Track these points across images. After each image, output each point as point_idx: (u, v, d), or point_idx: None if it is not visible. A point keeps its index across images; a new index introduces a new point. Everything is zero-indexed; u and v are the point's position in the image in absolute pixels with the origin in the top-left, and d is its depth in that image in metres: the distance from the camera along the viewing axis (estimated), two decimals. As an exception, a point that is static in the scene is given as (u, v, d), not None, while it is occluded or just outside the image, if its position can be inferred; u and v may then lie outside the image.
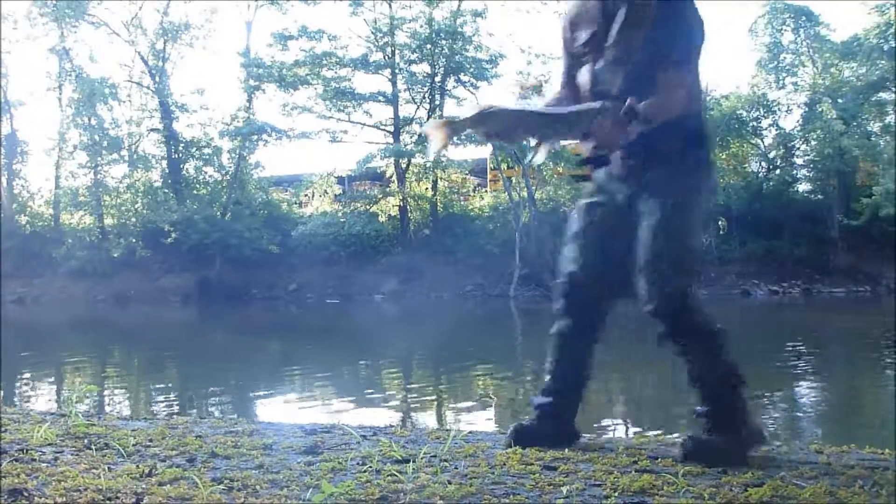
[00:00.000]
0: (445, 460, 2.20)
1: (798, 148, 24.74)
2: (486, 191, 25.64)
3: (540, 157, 2.34)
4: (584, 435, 2.50)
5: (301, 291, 21.87)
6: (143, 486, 1.92)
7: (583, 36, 2.34)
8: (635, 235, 2.29)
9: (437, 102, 24.89)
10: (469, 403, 6.06)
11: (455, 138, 2.35)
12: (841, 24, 50.31)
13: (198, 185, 24.81)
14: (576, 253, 2.42)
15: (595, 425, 4.92)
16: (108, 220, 23.65)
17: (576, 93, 2.39)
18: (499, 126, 2.24)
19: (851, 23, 45.76)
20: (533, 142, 2.37)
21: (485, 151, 24.59)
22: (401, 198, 24.05)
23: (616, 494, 1.83)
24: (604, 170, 2.42)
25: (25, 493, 1.84)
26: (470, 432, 2.69)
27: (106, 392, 6.64)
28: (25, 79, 44.90)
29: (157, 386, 7.43)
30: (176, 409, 6.00)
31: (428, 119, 24.89)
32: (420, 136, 24.83)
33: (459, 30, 23.98)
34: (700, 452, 2.13)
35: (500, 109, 2.27)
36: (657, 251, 2.24)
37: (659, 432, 4.16)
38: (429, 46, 24.08)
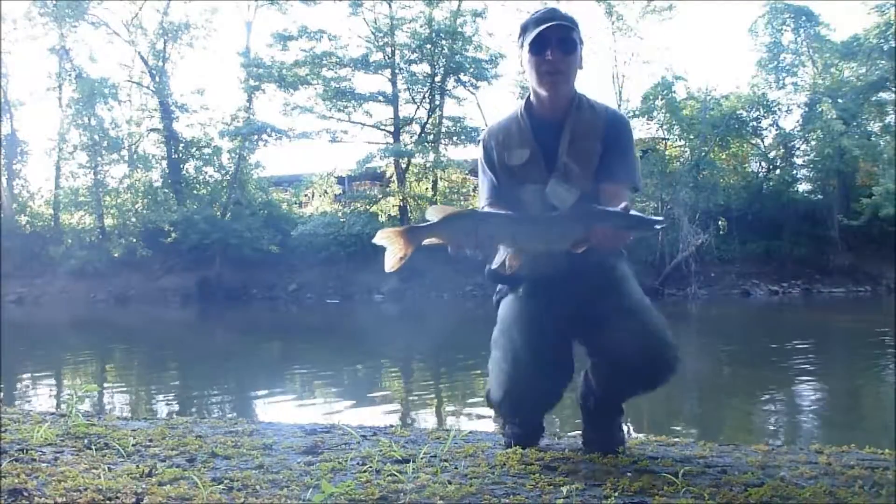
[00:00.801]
0: (445, 460, 2.20)
1: (798, 148, 24.75)
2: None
3: (508, 262, 2.18)
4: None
5: (301, 291, 21.88)
6: (143, 486, 1.92)
7: (517, 156, 2.27)
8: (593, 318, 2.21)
9: (438, 102, 24.91)
10: (469, 403, 6.06)
11: (418, 245, 2.11)
12: (841, 24, 50.31)
13: (198, 185, 24.82)
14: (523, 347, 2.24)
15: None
16: (108, 220, 23.66)
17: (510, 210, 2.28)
18: (469, 235, 2.06)
19: (851, 23, 45.74)
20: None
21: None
22: (401, 198, 24.06)
23: (616, 494, 1.83)
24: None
25: (25, 493, 1.84)
26: (470, 432, 2.70)
27: (106, 392, 6.64)
28: (25, 79, 44.85)
29: (157, 386, 7.43)
30: (176, 409, 6.00)
31: (427, 119, 24.92)
32: (420, 136, 24.88)
33: (459, 30, 23.99)
34: (597, 443, 2.32)
35: (469, 214, 2.13)
36: (646, 321, 2.16)
37: (659, 433, 4.16)
38: (429, 46, 24.08)
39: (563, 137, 2.24)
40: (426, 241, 2.11)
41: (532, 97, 2.31)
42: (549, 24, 2.18)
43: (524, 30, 2.28)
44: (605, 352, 2.23)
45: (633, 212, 2.02)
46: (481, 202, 2.35)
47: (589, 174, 2.23)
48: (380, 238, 2.12)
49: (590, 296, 2.22)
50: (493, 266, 2.23)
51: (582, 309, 2.23)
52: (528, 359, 2.20)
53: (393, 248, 2.10)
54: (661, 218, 2.06)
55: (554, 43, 2.18)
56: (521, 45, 2.28)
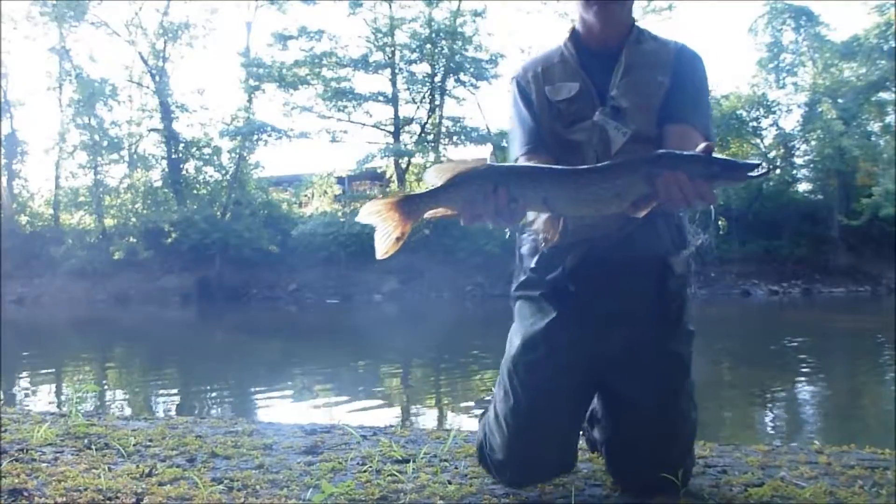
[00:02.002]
0: (445, 460, 2.20)
1: (798, 148, 24.75)
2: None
3: (543, 234, 1.80)
4: (582, 437, 2.50)
5: (301, 291, 21.87)
6: (143, 486, 1.92)
7: (563, 90, 1.83)
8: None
9: (438, 102, 24.92)
10: (469, 403, 6.06)
11: (419, 219, 1.63)
12: (841, 24, 50.31)
13: (198, 185, 24.81)
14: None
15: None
16: (108, 221, 23.65)
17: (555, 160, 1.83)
18: (487, 199, 1.56)
19: (851, 23, 45.78)
20: (533, 217, 1.79)
21: (485, 151, 24.61)
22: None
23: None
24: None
25: (25, 493, 1.84)
26: (470, 432, 2.69)
27: (106, 392, 6.63)
28: (25, 79, 44.88)
29: (157, 386, 7.42)
30: (176, 409, 5.99)
31: (427, 119, 24.92)
32: (420, 136, 24.86)
33: (459, 30, 23.99)
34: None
35: (486, 171, 1.59)
36: (677, 432, 1.80)
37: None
38: (429, 46, 24.08)
39: (617, 68, 1.80)
40: (430, 213, 1.62)
41: (579, 25, 1.88)
42: None
43: None
44: (617, 430, 1.86)
45: (717, 154, 1.51)
46: (516, 152, 1.89)
47: (649, 115, 1.79)
48: (367, 213, 1.61)
49: (635, 336, 1.77)
50: (524, 240, 1.80)
51: (624, 348, 1.79)
52: (545, 409, 1.77)
53: (385, 226, 1.60)
54: (758, 162, 1.53)
55: None
56: None
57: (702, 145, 1.50)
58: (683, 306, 1.82)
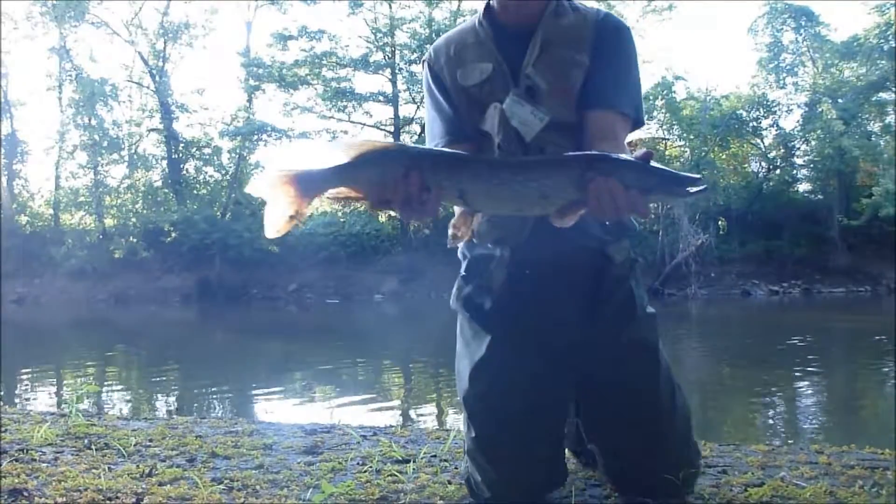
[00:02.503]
0: (445, 460, 2.20)
1: (798, 148, 24.76)
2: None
3: (453, 230, 1.56)
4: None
5: (301, 291, 21.87)
6: (143, 486, 1.92)
7: (476, 72, 1.64)
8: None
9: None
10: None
11: (316, 197, 1.42)
12: (841, 24, 50.35)
13: (198, 185, 24.82)
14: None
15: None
16: (108, 221, 23.66)
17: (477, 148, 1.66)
18: (397, 183, 1.36)
19: (851, 23, 45.79)
20: (458, 213, 1.56)
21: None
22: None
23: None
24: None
25: (25, 493, 1.84)
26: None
27: (106, 392, 6.63)
28: (25, 79, 44.85)
29: (157, 386, 7.42)
30: (176, 409, 6.00)
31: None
32: (420, 136, 24.85)
33: (459, 30, 23.99)
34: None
35: (398, 151, 1.43)
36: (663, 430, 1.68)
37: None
38: (429, 46, 24.10)
39: (533, 44, 1.59)
40: (331, 193, 1.42)
41: (493, 0, 1.68)
42: None
43: None
44: (603, 440, 1.74)
45: (655, 164, 1.36)
46: (431, 142, 1.71)
47: (568, 98, 1.59)
48: (259, 186, 1.40)
49: (590, 337, 1.64)
50: (449, 238, 1.59)
51: (578, 353, 1.65)
52: (509, 436, 1.61)
53: (278, 202, 1.39)
54: (699, 176, 1.37)
55: None
56: None
57: (640, 152, 1.35)
58: (632, 294, 1.68)
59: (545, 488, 1.71)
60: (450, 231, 1.56)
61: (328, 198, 1.43)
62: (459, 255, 1.81)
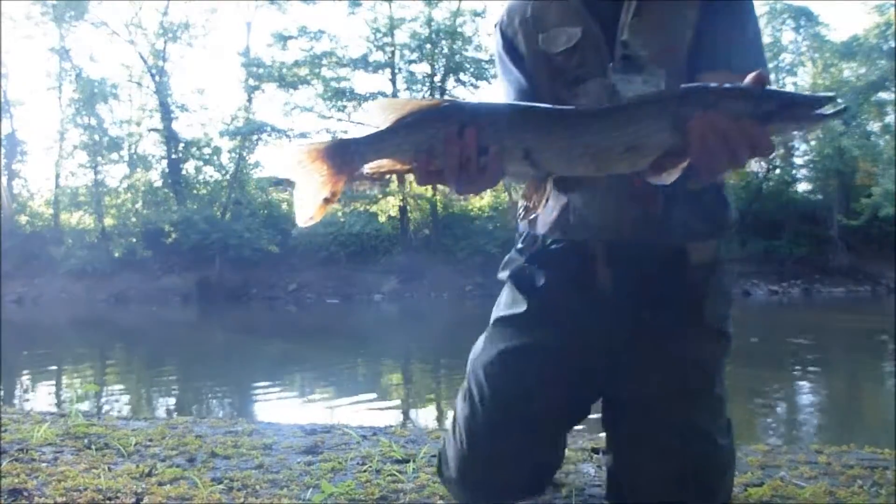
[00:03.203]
0: (445, 460, 2.19)
1: (798, 148, 24.77)
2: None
3: (524, 202, 1.30)
4: (584, 436, 2.50)
5: (301, 291, 21.87)
6: (143, 486, 1.92)
7: (561, 38, 1.39)
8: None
9: (438, 102, 24.92)
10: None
11: (355, 173, 1.21)
12: (841, 24, 50.32)
13: (198, 185, 24.82)
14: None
15: (595, 424, 4.91)
16: (108, 220, 23.65)
17: None
18: (451, 144, 1.14)
19: (851, 23, 45.80)
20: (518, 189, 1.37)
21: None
22: (401, 198, 24.06)
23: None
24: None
25: (25, 493, 1.84)
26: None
27: (106, 392, 6.63)
28: (25, 79, 44.85)
29: (157, 386, 7.43)
30: (176, 409, 6.00)
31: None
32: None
33: (459, 30, 24.00)
34: None
35: (450, 107, 1.18)
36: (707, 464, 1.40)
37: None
38: (429, 46, 24.09)
39: (628, 2, 1.34)
40: (371, 166, 1.21)
41: None
42: None
43: None
44: (632, 471, 1.45)
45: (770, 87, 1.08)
46: None
47: (674, 61, 1.34)
48: (286, 164, 1.19)
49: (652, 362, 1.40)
50: (519, 210, 1.34)
51: (626, 375, 1.43)
52: (510, 422, 1.41)
53: (310, 183, 1.19)
54: (831, 94, 1.10)
55: None
56: None
57: (751, 75, 1.06)
58: (703, 301, 1.43)
59: (522, 490, 1.52)
60: (520, 203, 1.29)
61: (369, 173, 1.22)
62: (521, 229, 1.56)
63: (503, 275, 1.59)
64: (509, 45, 1.46)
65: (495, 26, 1.50)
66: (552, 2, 1.41)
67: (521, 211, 1.28)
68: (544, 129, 1.16)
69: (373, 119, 1.19)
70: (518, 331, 1.47)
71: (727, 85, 1.07)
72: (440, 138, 1.14)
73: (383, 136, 1.18)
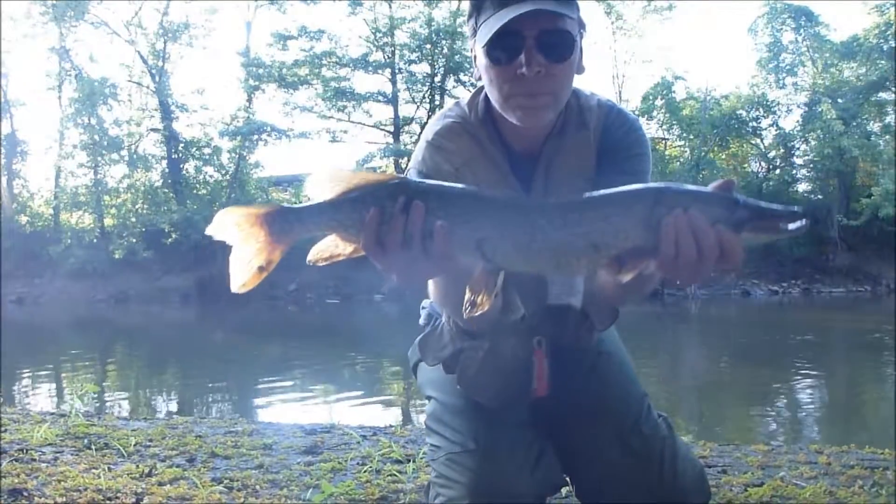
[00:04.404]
0: (445, 460, 2.19)
1: (798, 148, 24.77)
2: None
3: (469, 301, 1.15)
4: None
5: (301, 291, 21.86)
6: (143, 486, 1.92)
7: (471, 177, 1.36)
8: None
9: (437, 102, 24.92)
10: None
11: (293, 242, 1.18)
12: (841, 24, 50.37)
13: (198, 185, 24.81)
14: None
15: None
16: (108, 220, 23.65)
17: None
18: (395, 227, 1.07)
19: (851, 23, 45.82)
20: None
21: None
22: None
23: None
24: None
25: (25, 493, 1.84)
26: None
27: (106, 392, 6.63)
28: (25, 79, 44.89)
29: (157, 386, 7.42)
30: (176, 409, 6.00)
31: (427, 119, 24.89)
32: (419, 136, 24.86)
33: (459, 29, 23.98)
34: None
35: (399, 184, 1.10)
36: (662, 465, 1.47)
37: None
38: (429, 46, 24.09)
39: (535, 181, 1.38)
40: (313, 253, 1.19)
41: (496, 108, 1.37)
42: (521, 9, 1.21)
43: (477, 7, 1.32)
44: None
45: (740, 196, 1.07)
46: None
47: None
48: (221, 225, 1.14)
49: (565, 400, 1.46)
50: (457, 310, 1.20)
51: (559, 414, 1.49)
52: (492, 445, 1.40)
53: (245, 248, 1.15)
54: (797, 209, 1.07)
55: (531, 42, 1.23)
56: (473, 33, 1.33)
57: (718, 182, 1.06)
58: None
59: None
60: (466, 296, 1.14)
61: (311, 261, 1.18)
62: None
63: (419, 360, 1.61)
64: (438, 167, 1.42)
65: (427, 143, 1.46)
66: (480, 157, 1.39)
67: (466, 306, 1.15)
68: (501, 219, 1.07)
69: (317, 190, 1.12)
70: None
71: (702, 189, 1.06)
72: (386, 216, 1.07)
73: (325, 207, 1.11)
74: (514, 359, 1.43)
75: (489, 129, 1.41)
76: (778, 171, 24.55)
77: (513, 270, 1.14)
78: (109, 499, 1.81)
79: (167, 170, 24.48)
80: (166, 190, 24.17)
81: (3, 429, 2.62)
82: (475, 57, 1.35)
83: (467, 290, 1.15)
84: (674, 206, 1.01)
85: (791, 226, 1.05)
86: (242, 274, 1.14)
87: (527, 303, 1.33)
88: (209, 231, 1.14)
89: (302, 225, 1.13)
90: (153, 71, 24.39)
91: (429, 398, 1.62)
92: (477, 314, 1.13)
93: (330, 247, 1.15)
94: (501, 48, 1.25)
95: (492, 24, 1.24)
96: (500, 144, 1.40)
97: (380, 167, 24.98)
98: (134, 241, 22.53)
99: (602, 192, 1.08)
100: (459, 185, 1.14)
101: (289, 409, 5.79)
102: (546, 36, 1.23)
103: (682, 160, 24.09)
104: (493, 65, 1.27)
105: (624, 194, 1.07)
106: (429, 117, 25.54)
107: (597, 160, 1.39)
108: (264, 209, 1.13)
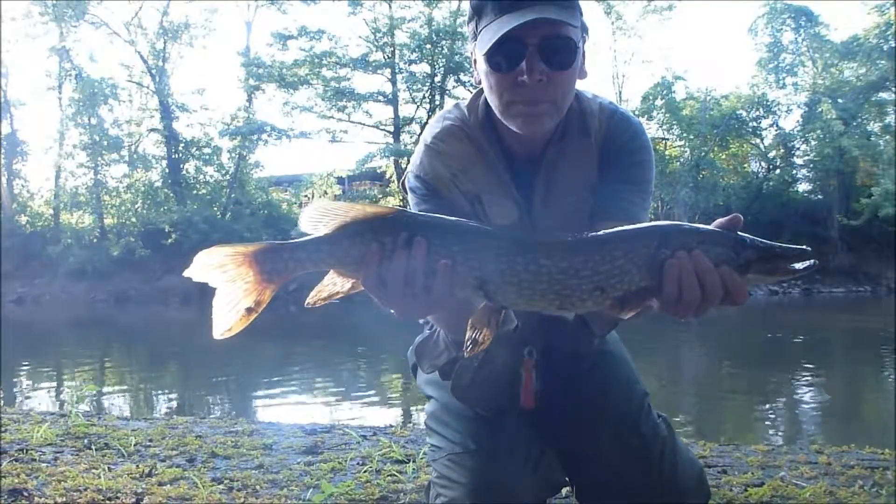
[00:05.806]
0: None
1: (798, 148, 24.77)
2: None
3: (471, 336, 1.11)
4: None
5: (301, 291, 21.70)
6: (143, 486, 1.92)
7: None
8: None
9: (437, 102, 24.93)
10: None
11: (283, 282, 1.11)
12: (841, 24, 50.36)
13: (198, 185, 24.82)
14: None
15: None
16: (108, 220, 23.66)
17: None
18: (395, 265, 1.03)
19: (851, 23, 45.83)
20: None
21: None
22: (401, 198, 24.06)
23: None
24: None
25: (25, 493, 1.84)
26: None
27: (106, 392, 6.63)
28: (25, 79, 44.91)
29: (157, 386, 7.42)
30: (176, 409, 5.99)
31: (427, 119, 24.90)
32: (419, 136, 24.85)
33: (459, 30, 23.98)
34: None
35: (395, 217, 1.06)
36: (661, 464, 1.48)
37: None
38: (429, 46, 24.09)
39: (537, 187, 1.37)
40: (313, 295, 1.15)
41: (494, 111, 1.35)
42: (523, 18, 1.19)
43: (478, 11, 1.29)
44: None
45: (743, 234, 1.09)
46: None
47: (579, 220, 1.38)
48: (203, 266, 1.05)
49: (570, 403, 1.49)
50: (454, 344, 1.34)
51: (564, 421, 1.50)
52: (493, 447, 1.40)
53: (232, 290, 1.05)
54: (805, 248, 1.08)
55: (532, 50, 1.21)
56: (474, 37, 1.31)
57: (725, 219, 1.06)
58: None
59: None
60: (467, 333, 1.10)
61: (310, 304, 1.12)
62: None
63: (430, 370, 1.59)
64: (434, 192, 1.40)
65: (414, 176, 1.44)
66: (479, 165, 1.38)
67: (468, 344, 1.12)
68: (504, 259, 1.03)
69: (310, 225, 1.07)
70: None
71: (707, 228, 1.05)
72: (383, 254, 1.03)
73: (320, 244, 1.06)
74: (506, 369, 1.43)
75: (489, 133, 1.40)
76: (778, 171, 24.54)
77: (515, 309, 1.13)
78: (109, 499, 1.81)
79: (167, 170, 24.49)
80: (166, 190, 24.18)
81: (3, 429, 2.62)
82: (475, 61, 1.33)
83: (469, 328, 1.11)
84: (678, 248, 1.02)
85: (799, 266, 1.05)
86: (228, 317, 1.04)
87: (520, 313, 1.29)
88: (188, 274, 1.05)
89: (297, 262, 1.08)
90: (153, 71, 24.40)
91: (429, 397, 1.64)
92: (475, 350, 1.11)
93: (328, 286, 1.12)
94: (502, 55, 1.23)
95: (493, 31, 1.22)
96: (499, 149, 1.39)
97: (380, 167, 25.00)
98: (134, 240, 22.55)
99: (606, 232, 1.06)
100: (462, 221, 1.10)
101: (289, 409, 5.79)
102: (548, 43, 1.22)
103: (682, 160, 24.08)
104: (494, 71, 1.26)
105: (629, 235, 1.05)
106: (429, 117, 25.63)
107: (599, 167, 1.38)
108: (252, 248, 1.06)
